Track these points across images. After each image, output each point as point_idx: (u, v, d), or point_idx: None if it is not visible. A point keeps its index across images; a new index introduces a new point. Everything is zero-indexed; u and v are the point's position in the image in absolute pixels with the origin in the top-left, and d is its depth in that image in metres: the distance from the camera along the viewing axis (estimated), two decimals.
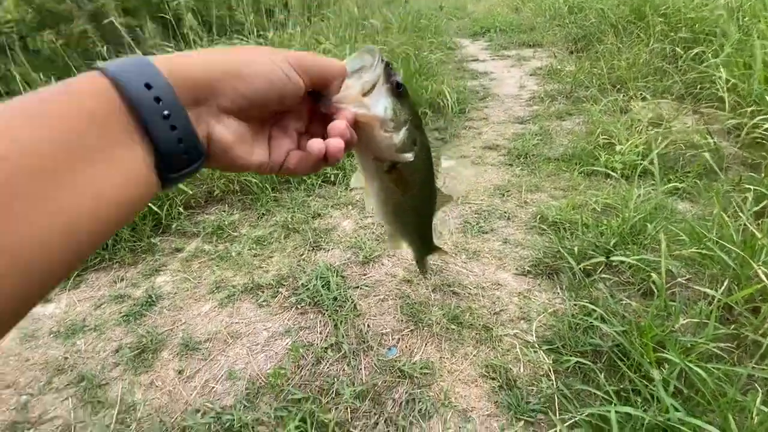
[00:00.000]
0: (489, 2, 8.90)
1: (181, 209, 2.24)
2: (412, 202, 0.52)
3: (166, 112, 0.28)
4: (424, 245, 0.65)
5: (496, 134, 3.15)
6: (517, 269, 1.79)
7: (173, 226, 2.19)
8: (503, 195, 2.33)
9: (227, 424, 1.24)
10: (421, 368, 1.37)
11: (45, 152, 0.22)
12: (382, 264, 1.87)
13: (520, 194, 2.32)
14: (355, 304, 1.65)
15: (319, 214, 2.26)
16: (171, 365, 1.47)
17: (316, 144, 0.36)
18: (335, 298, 1.67)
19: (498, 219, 2.13)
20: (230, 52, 0.34)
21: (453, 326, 1.52)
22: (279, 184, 2.50)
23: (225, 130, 0.33)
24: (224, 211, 2.32)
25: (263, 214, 2.29)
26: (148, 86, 0.27)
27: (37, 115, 0.23)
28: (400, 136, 0.42)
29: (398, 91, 0.41)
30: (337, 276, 1.78)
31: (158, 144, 0.28)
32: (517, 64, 4.90)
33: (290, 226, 2.15)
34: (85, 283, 1.88)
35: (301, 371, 1.40)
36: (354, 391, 1.31)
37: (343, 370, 1.40)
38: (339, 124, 0.37)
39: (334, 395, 1.32)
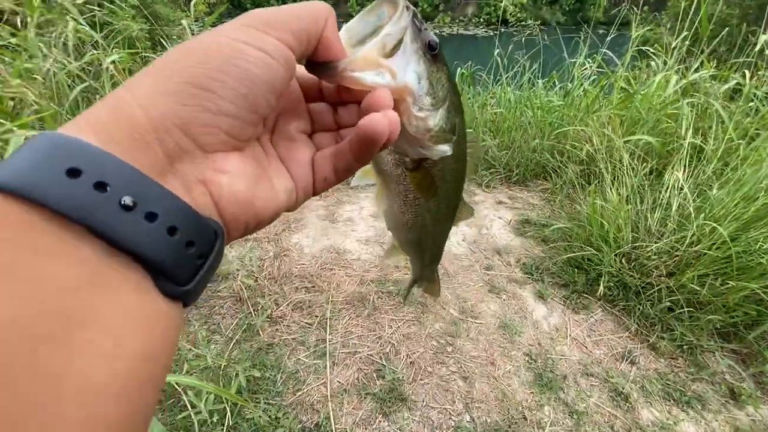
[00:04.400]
0: None
1: None
2: (436, 211, 0.39)
3: (126, 200, 0.17)
4: (428, 266, 0.55)
5: None
6: None
7: None
8: None
9: None
10: None
11: None
12: None
13: None
14: None
15: None
16: None
17: (372, 119, 0.23)
18: None
19: None
20: (173, 55, 0.20)
21: None
22: None
23: (230, 177, 0.21)
24: None
25: None
26: (73, 172, 0.16)
27: None
28: (437, 119, 0.29)
29: (433, 54, 0.29)
30: None
31: (139, 252, 0.17)
32: None
33: None
34: None
35: None
36: None
37: None
38: (383, 93, 0.25)
39: None
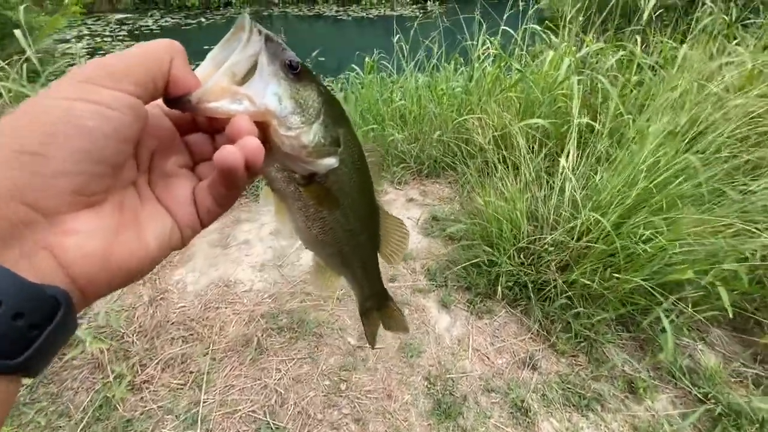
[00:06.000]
0: None
1: None
2: (345, 222, 0.38)
3: None
4: (368, 282, 0.52)
5: None
6: None
7: None
8: None
9: None
10: None
11: None
12: None
13: None
14: None
15: None
16: None
17: (224, 153, 0.24)
18: None
19: None
20: (2, 124, 0.20)
21: None
22: None
23: (80, 238, 0.21)
24: None
25: None
26: None
27: None
28: (311, 135, 0.30)
29: (295, 73, 0.29)
30: None
31: None
32: None
33: None
34: None
35: None
36: None
37: None
38: (239, 121, 0.26)
39: None
